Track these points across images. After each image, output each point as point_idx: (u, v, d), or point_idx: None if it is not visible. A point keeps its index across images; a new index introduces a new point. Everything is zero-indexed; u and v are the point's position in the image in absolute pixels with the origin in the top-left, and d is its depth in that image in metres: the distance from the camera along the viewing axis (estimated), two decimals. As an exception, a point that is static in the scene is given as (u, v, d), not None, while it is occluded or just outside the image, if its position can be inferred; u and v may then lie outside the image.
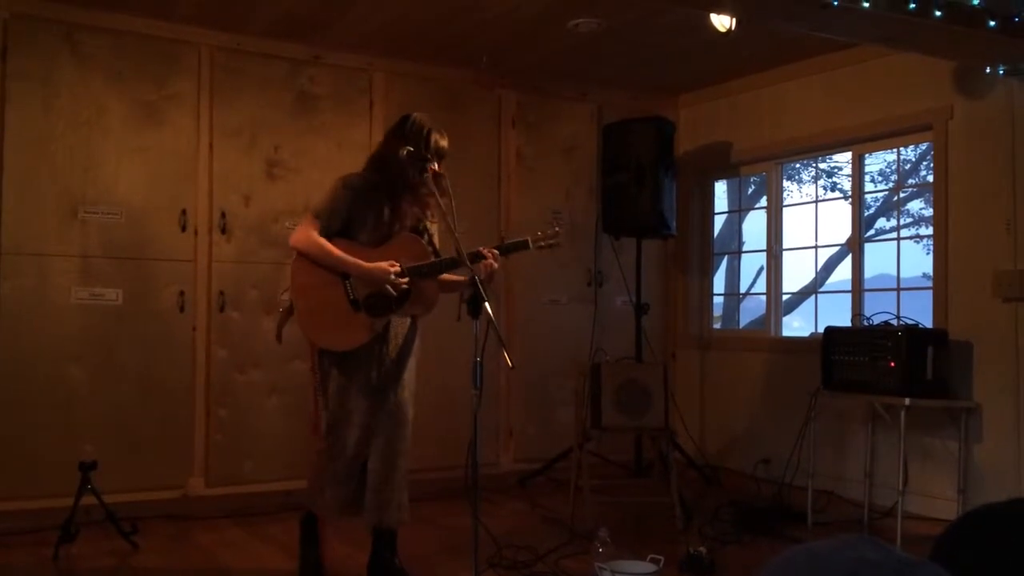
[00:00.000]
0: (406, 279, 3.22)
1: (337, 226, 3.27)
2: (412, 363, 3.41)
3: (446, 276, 3.40)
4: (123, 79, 4.63)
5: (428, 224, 3.43)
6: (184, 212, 4.75)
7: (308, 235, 3.22)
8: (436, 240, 3.46)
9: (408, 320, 3.39)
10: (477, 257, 3.26)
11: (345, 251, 3.23)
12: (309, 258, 3.23)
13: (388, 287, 3.20)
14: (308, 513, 3.50)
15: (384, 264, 3.20)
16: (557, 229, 3.45)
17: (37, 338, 4.40)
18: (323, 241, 3.22)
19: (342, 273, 3.22)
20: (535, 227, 5.66)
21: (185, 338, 4.74)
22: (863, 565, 0.74)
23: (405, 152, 3.23)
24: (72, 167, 4.50)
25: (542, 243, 3.40)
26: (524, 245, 3.38)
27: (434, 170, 3.25)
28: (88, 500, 3.96)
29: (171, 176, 4.73)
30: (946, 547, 1.10)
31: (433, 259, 3.33)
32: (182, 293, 4.73)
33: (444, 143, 3.33)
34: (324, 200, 3.31)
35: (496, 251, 3.30)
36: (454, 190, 3.18)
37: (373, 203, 3.29)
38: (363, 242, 3.28)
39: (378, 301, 3.24)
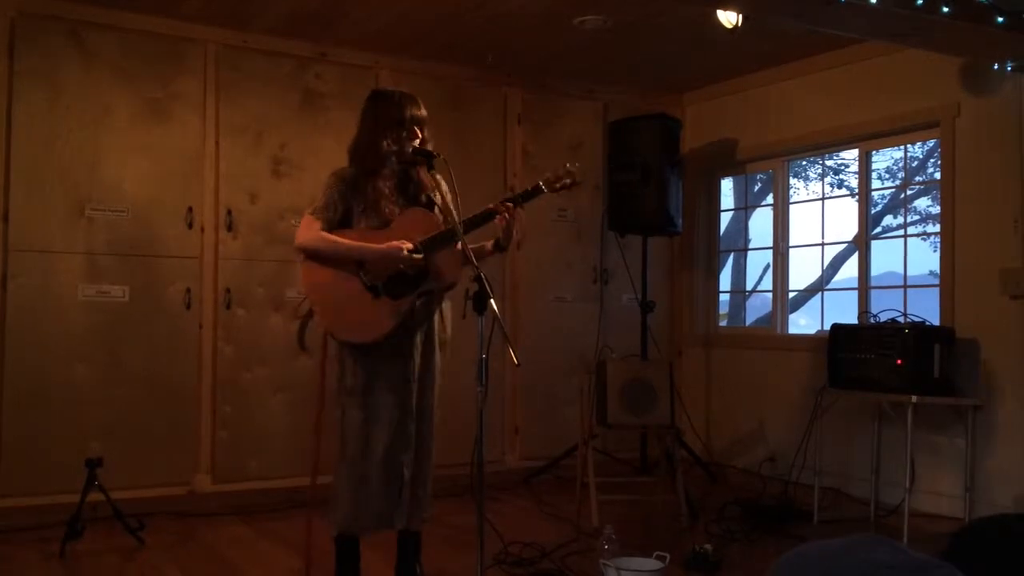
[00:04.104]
0: (421, 255, 3.05)
1: (336, 217, 3.14)
2: (438, 355, 3.26)
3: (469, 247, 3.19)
4: (129, 77, 4.63)
5: (434, 196, 3.22)
6: (190, 209, 4.75)
7: (310, 232, 3.10)
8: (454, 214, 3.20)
9: (435, 312, 3.22)
10: (489, 215, 3.09)
11: (352, 239, 3.11)
12: (317, 254, 3.11)
13: (404, 266, 3.03)
14: (341, 534, 3.16)
15: (395, 243, 3.03)
16: (568, 166, 3.19)
17: (44, 335, 4.41)
18: (327, 234, 3.09)
19: (355, 263, 3.08)
20: (539, 225, 5.72)
21: (191, 335, 4.75)
22: (878, 567, 0.73)
23: (380, 130, 3.10)
24: (79, 164, 4.51)
25: (557, 184, 3.17)
26: (537, 190, 3.16)
27: (415, 146, 3.10)
28: (95, 497, 3.98)
29: (177, 174, 4.74)
30: (960, 553, 1.10)
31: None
32: (188, 290, 4.74)
33: (419, 112, 3.13)
34: (319, 196, 3.19)
35: (510, 203, 3.11)
36: (459, 184, 3.06)
37: (365, 189, 3.14)
38: (366, 228, 3.13)
39: (397, 284, 3.09)
